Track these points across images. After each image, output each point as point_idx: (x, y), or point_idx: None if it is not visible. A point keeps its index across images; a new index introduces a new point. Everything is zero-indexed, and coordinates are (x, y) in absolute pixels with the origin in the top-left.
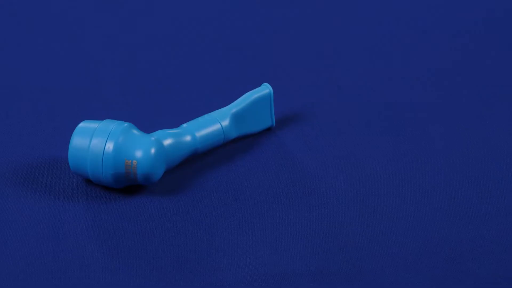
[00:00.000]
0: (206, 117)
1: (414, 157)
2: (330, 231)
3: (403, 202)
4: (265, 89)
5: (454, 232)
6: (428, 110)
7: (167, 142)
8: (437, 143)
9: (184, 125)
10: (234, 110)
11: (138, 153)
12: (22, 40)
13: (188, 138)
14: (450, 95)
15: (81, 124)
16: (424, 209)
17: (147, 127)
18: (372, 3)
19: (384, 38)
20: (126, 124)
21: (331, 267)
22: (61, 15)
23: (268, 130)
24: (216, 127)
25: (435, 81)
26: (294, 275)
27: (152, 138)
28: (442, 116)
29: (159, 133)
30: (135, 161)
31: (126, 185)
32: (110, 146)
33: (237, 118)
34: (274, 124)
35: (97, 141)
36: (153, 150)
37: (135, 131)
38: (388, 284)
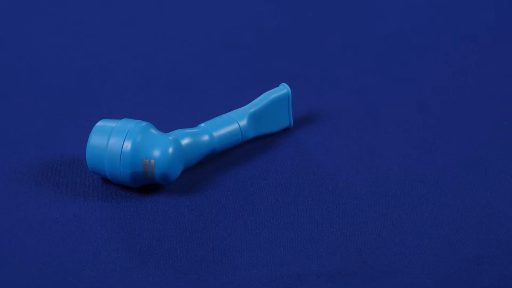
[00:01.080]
0: (224, 116)
1: (431, 157)
2: (347, 231)
3: (420, 202)
4: (283, 89)
5: (471, 233)
6: (446, 110)
7: (185, 141)
8: (455, 143)
9: (202, 124)
10: (252, 110)
11: (156, 152)
12: (41, 39)
13: (206, 137)
14: (468, 95)
15: (99, 123)
16: (441, 210)
17: (165, 127)
18: (392, 3)
19: (403, 38)
20: (144, 123)
21: (348, 267)
22: (78, 14)
23: (286, 130)
24: (234, 126)
25: (453, 82)
26: (311, 275)
27: (170, 138)
28: (459, 117)
29: (177, 132)
30: (152, 160)
31: (144, 184)
32: (128, 145)
33: (255, 118)
34: (292, 124)
35: (115, 140)
36: (171, 150)
37: (153, 130)
38: (405, 285)
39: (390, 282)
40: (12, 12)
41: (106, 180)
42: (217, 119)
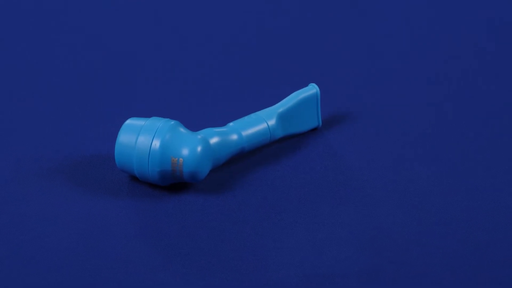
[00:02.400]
0: (253, 116)
1: (461, 159)
2: (376, 232)
3: (448, 204)
4: (312, 89)
5: (499, 236)
6: (476, 112)
7: (214, 140)
8: (485, 145)
9: (231, 123)
10: (280, 109)
11: (185, 151)
12: (71, 38)
13: (234, 136)
14: (499, 99)
15: (128, 121)
16: (469, 212)
17: (194, 126)
18: (420, 3)
19: (433, 38)
20: (173, 122)
21: (376, 268)
22: (101, 13)
23: (314, 130)
24: (262, 126)
25: (485, 84)
26: (339, 275)
27: (199, 136)
28: (489, 118)
29: (206, 131)
30: (181, 159)
31: (172, 183)
32: (156, 143)
33: (283, 117)
34: (321, 124)
35: (144, 138)
36: (199, 148)
37: (182, 129)
38: (432, 286)
39: (418, 283)
40: (41, 9)
41: (134, 178)
42: (246, 119)
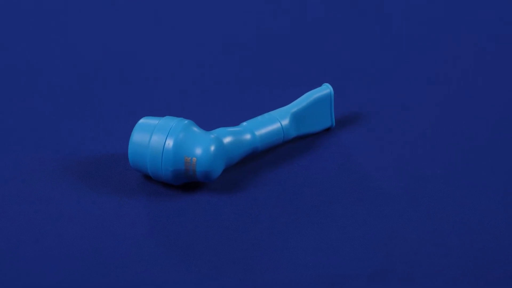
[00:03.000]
0: (266, 116)
1: (475, 160)
2: (389, 232)
3: (462, 205)
4: (326, 89)
5: None
6: (492, 113)
7: (227, 140)
8: (498, 147)
9: (244, 123)
10: (294, 109)
11: (198, 150)
12: (83, 36)
13: (247, 136)
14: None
15: (142, 120)
16: (483, 213)
17: (207, 125)
18: (436, 3)
19: (449, 39)
20: (186, 121)
21: (389, 268)
22: (117, 13)
23: (328, 130)
24: (276, 126)
25: (502, 84)
26: (352, 276)
27: (212, 136)
28: (505, 119)
29: (219, 130)
30: (194, 158)
31: (185, 182)
32: (170, 142)
33: (297, 117)
34: (334, 124)
35: (157, 137)
36: (212, 148)
37: (195, 129)
38: (446, 287)
39: (431, 284)
40: (55, 7)
41: (148, 177)
42: (259, 118)
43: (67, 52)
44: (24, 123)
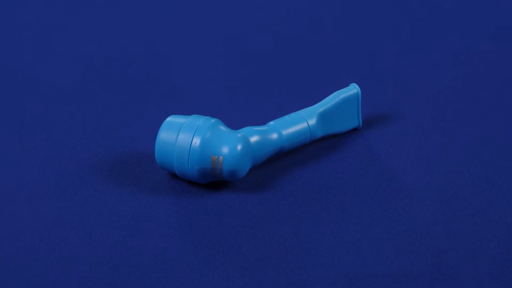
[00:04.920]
0: (293, 115)
1: (502, 161)
2: (414, 233)
3: (488, 206)
4: (353, 89)
5: None
6: None
7: (254, 139)
8: None
9: (271, 122)
10: (321, 109)
11: (225, 149)
12: (113, 36)
13: (274, 135)
14: None
15: (169, 119)
16: (509, 214)
17: (234, 124)
18: (462, 2)
19: (479, 38)
20: (213, 120)
21: (414, 269)
22: (147, 12)
23: (354, 130)
24: (302, 125)
25: None
26: (377, 276)
27: (239, 135)
28: None
29: (246, 130)
30: (221, 157)
31: (211, 181)
32: (197, 141)
33: (324, 117)
34: (361, 124)
35: (184, 136)
36: (239, 147)
37: (222, 127)
38: None
39: (456, 285)
40: (88, 7)
41: (174, 176)
42: (286, 118)
43: (94, 51)
44: (53, 122)
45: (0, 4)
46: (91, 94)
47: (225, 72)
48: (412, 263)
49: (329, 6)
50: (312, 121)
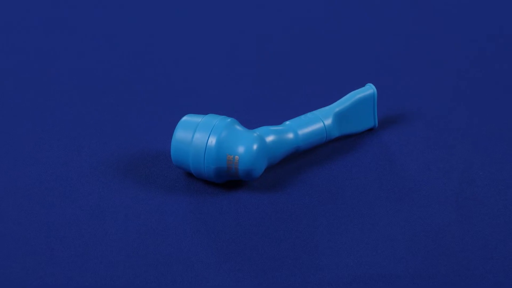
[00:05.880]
0: (309, 115)
1: None
2: (430, 234)
3: (504, 207)
4: (369, 89)
5: None
6: None
7: (270, 138)
8: None
9: (287, 122)
10: (337, 109)
11: (241, 149)
12: (127, 35)
13: (290, 135)
14: None
15: (185, 118)
16: None
17: (250, 123)
18: (477, 2)
19: (494, 37)
20: (229, 119)
21: (430, 270)
22: (164, 12)
23: (370, 130)
24: (318, 125)
25: None
26: (392, 276)
27: (255, 134)
28: None
29: (262, 129)
30: (237, 156)
31: (227, 180)
32: (213, 140)
33: (340, 117)
34: (377, 125)
35: (200, 135)
36: (255, 146)
37: (238, 127)
38: None
39: (472, 286)
40: (101, 7)
41: (190, 175)
42: (302, 117)
43: (112, 49)
44: (70, 121)
45: (17, 2)
46: (108, 93)
47: (241, 72)
48: (428, 264)
49: (346, 5)
50: (328, 121)
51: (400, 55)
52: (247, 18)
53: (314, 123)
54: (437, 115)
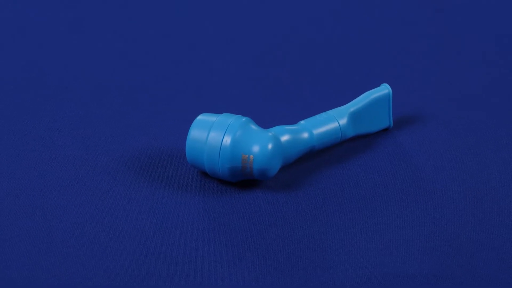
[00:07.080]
0: (324, 115)
1: None
2: (444, 234)
3: None
4: (384, 89)
5: None
6: None
7: (285, 138)
8: None
9: (302, 122)
10: (352, 109)
11: (255, 148)
12: (144, 33)
13: (305, 135)
14: None
15: (200, 117)
16: None
17: (265, 123)
18: (493, 3)
19: (510, 38)
20: (244, 118)
21: (444, 270)
22: (177, 12)
23: (385, 130)
24: (333, 125)
25: None
26: (407, 276)
27: (270, 134)
28: None
29: (277, 129)
30: (251, 156)
31: (242, 179)
32: (227, 139)
33: (355, 117)
34: (392, 125)
35: (215, 134)
36: (270, 146)
37: (253, 126)
38: None
39: (486, 286)
40: (118, 7)
41: (205, 174)
42: (317, 117)
43: (127, 47)
44: (85, 120)
45: (31, 2)
46: (124, 92)
47: (257, 72)
48: (442, 264)
49: (361, 6)
50: (343, 121)
51: (416, 55)
52: (265, 17)
53: (329, 123)
54: (452, 116)
